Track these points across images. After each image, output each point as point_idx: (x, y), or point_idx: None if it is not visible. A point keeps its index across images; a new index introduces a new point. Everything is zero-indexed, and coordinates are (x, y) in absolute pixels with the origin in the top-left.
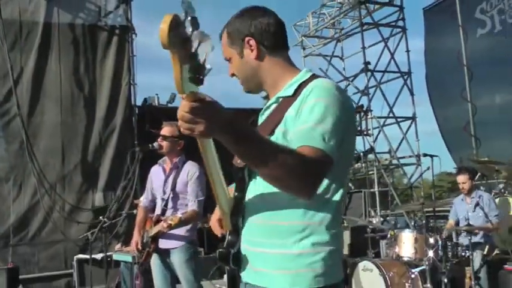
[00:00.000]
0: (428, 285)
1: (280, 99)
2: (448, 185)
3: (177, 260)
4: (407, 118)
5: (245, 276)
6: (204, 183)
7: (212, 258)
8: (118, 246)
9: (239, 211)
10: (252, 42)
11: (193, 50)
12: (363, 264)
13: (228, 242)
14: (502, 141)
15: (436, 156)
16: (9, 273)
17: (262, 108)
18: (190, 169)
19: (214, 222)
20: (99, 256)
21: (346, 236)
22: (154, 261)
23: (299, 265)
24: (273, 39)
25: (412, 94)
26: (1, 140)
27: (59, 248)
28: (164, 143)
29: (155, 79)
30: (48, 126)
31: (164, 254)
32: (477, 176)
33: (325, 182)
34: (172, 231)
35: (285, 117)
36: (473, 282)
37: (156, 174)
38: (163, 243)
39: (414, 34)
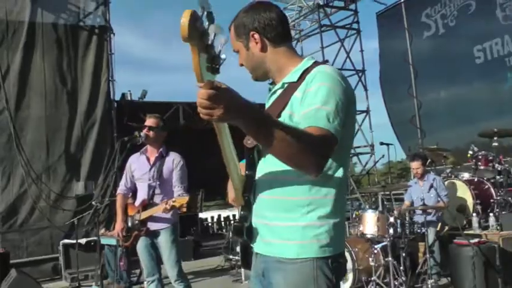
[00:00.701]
0: (390, 258)
1: (286, 85)
2: (398, 171)
3: (164, 240)
4: (361, 111)
5: (256, 247)
6: (187, 172)
7: (188, 241)
8: (102, 231)
9: (250, 188)
10: (257, 36)
11: (209, 42)
12: None
13: (241, 216)
14: (445, 132)
15: (392, 144)
16: (1, 258)
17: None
18: (175, 158)
19: (231, 199)
20: (83, 241)
21: None
22: (141, 242)
23: (305, 236)
24: (276, 32)
25: (365, 90)
26: None
27: (46, 234)
28: (150, 133)
29: (125, 77)
30: (34, 119)
31: (151, 235)
32: (427, 162)
33: (329, 160)
34: (159, 214)
35: (290, 101)
36: (427, 256)
37: (138, 163)
38: (151, 225)
39: (368, 36)
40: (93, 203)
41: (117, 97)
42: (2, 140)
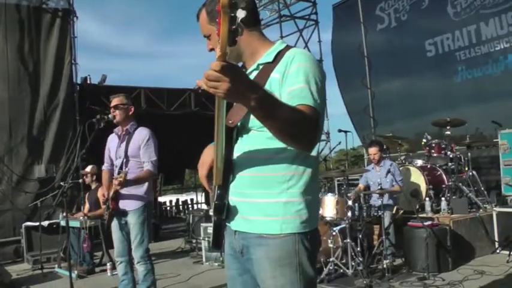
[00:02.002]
0: (348, 240)
1: (261, 66)
2: (352, 158)
3: (132, 221)
4: None
5: (234, 225)
6: (156, 146)
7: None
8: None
9: (229, 167)
10: None
11: (234, 13)
12: None
13: (218, 195)
14: (398, 122)
15: (349, 132)
16: None
17: None
18: (141, 133)
19: (203, 177)
20: (46, 223)
21: None
22: (114, 221)
23: (287, 212)
24: (249, 15)
25: None
26: None
27: (8, 217)
28: (117, 112)
29: (84, 61)
30: None
31: (122, 215)
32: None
33: None
34: (131, 193)
35: (269, 81)
36: (383, 237)
37: (112, 142)
38: (122, 204)
39: (326, 27)
40: (61, 183)
41: (79, 80)
42: None
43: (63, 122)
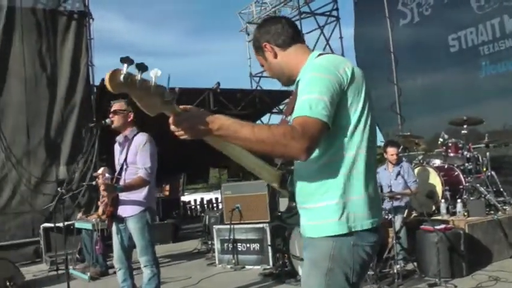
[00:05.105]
0: None
1: (298, 83)
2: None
3: (132, 227)
4: None
5: (301, 230)
6: (154, 152)
7: (167, 224)
8: (80, 215)
9: (293, 179)
10: (268, 45)
11: (152, 83)
12: (299, 229)
13: (289, 207)
14: (421, 119)
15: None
16: None
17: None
18: (139, 139)
19: None
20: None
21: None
22: (114, 227)
23: (323, 216)
24: (283, 37)
25: None
26: None
27: (27, 218)
28: (115, 117)
29: (109, 61)
30: (15, 104)
31: (121, 221)
32: (400, 149)
33: (330, 143)
34: (129, 199)
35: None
36: (394, 241)
37: (116, 150)
38: (121, 211)
39: (347, 23)
40: (58, 189)
41: (97, 82)
42: None
43: (81, 123)
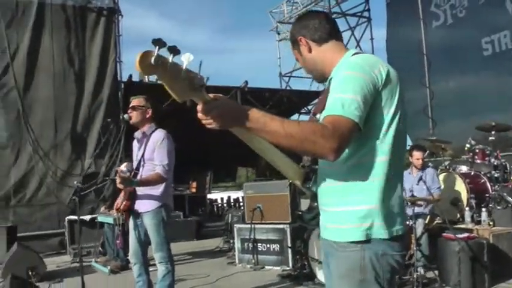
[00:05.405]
0: None
1: (331, 81)
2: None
3: (147, 223)
4: None
5: (321, 232)
6: (171, 149)
7: (191, 221)
8: (102, 209)
9: (316, 179)
10: (303, 39)
11: (184, 67)
12: (318, 230)
13: (311, 208)
14: (454, 122)
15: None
16: (8, 231)
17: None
18: (157, 136)
19: None
20: (87, 217)
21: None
22: (130, 222)
23: (348, 220)
24: (319, 32)
25: None
26: (1, 110)
27: (53, 210)
28: (133, 113)
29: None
30: (43, 99)
31: (137, 216)
32: (426, 153)
33: (360, 145)
34: (146, 194)
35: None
36: (415, 248)
37: (135, 147)
38: (137, 206)
39: (377, 24)
40: (75, 182)
41: (125, 78)
42: (11, 118)
43: (107, 118)
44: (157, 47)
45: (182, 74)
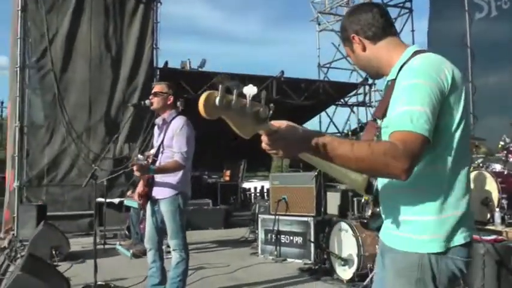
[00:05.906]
0: None
1: (389, 83)
2: None
3: (164, 209)
4: None
5: (380, 232)
6: (190, 136)
7: (220, 210)
8: (129, 193)
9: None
10: (356, 37)
11: (248, 102)
12: (340, 225)
13: (373, 213)
14: (494, 118)
15: None
16: (38, 209)
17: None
18: (176, 123)
19: None
20: (116, 200)
21: (337, 198)
22: (148, 208)
23: (416, 231)
24: (373, 29)
25: None
26: (38, 91)
27: (84, 191)
28: (155, 99)
29: (187, 46)
30: (78, 82)
31: (155, 203)
32: None
33: (427, 153)
34: (164, 182)
35: (391, 102)
36: None
37: (156, 133)
38: (155, 192)
39: (419, 15)
40: (93, 165)
41: (161, 64)
42: (47, 99)
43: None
44: (220, 86)
45: (247, 110)
